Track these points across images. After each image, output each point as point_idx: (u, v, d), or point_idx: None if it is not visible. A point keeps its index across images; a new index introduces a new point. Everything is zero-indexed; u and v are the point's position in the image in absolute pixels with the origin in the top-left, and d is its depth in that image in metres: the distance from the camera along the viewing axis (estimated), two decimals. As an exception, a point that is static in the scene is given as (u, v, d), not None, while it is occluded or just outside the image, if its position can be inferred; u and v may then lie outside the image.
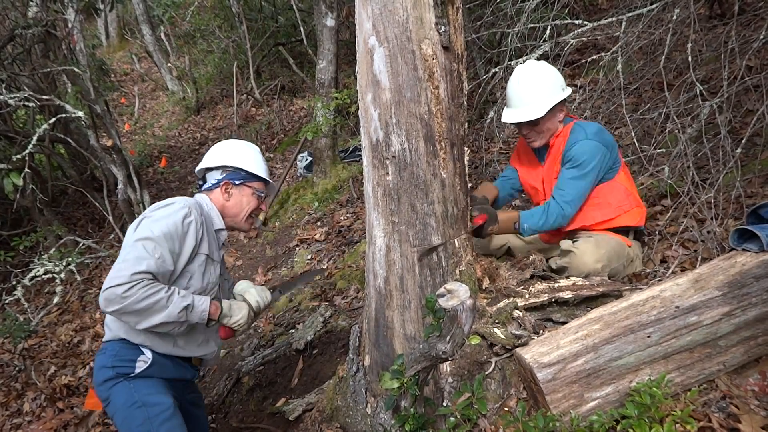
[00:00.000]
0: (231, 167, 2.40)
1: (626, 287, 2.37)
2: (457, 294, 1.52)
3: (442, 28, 2.03)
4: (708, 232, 2.70)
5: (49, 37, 5.98)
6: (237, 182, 2.41)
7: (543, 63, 2.75)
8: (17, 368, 4.65)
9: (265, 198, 2.56)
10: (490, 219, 2.70)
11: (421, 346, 1.69)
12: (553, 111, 2.67)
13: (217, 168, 2.42)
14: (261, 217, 6.37)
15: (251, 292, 2.48)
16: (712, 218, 2.70)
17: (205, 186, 2.44)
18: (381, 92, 2.10)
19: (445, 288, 1.56)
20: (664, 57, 3.17)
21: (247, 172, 2.42)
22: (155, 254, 2.02)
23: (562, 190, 2.66)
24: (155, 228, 2.05)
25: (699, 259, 2.58)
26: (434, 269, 2.22)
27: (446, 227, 2.20)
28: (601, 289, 2.33)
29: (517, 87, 2.71)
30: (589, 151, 2.59)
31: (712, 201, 2.71)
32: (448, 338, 1.55)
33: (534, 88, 2.66)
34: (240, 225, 2.48)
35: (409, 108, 2.06)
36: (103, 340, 2.25)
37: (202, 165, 2.45)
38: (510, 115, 2.75)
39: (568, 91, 2.73)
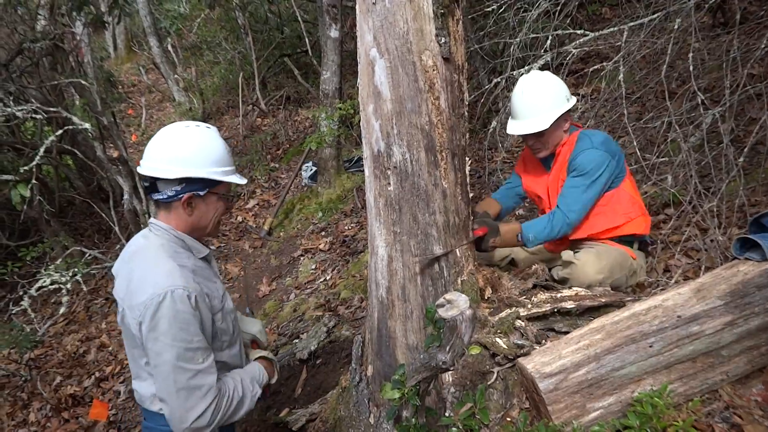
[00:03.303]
0: (192, 178, 1.90)
1: (629, 298, 2.36)
2: (456, 304, 1.53)
3: (443, 40, 2.04)
4: (711, 240, 2.70)
5: (57, 50, 6.06)
6: (201, 193, 1.94)
7: (547, 73, 2.75)
8: (23, 378, 4.67)
9: (234, 198, 2.18)
10: (491, 231, 2.69)
11: (421, 356, 1.70)
12: (558, 122, 2.67)
13: (173, 179, 1.89)
14: (266, 226, 6.42)
15: (260, 333, 2.42)
16: (715, 227, 2.69)
17: (158, 196, 1.92)
18: (382, 103, 2.11)
19: (444, 298, 1.56)
20: (665, 66, 3.18)
21: (212, 180, 1.95)
22: (198, 359, 1.80)
23: (566, 198, 2.66)
24: (178, 334, 1.76)
25: (702, 268, 2.58)
26: (436, 279, 2.22)
27: (448, 237, 2.21)
28: (603, 300, 2.33)
29: (521, 98, 2.71)
30: (595, 160, 2.59)
31: (715, 210, 2.71)
32: (448, 348, 1.55)
33: (538, 100, 2.66)
34: (210, 235, 2.11)
35: (410, 119, 2.08)
36: (154, 409, 1.97)
37: (150, 172, 1.89)
38: (515, 127, 2.75)
39: (573, 100, 2.73)
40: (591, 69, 3.90)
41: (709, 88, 3.98)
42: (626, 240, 2.75)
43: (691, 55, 2.96)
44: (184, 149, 1.89)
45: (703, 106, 3.07)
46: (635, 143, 3.18)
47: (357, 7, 2.16)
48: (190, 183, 1.91)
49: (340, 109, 5.50)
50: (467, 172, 2.28)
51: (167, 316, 1.75)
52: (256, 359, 2.25)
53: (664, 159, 3.27)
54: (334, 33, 5.89)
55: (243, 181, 2.06)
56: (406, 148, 2.10)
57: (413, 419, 1.84)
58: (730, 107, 3.02)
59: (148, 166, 1.90)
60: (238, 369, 2.10)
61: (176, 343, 1.75)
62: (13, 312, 4.81)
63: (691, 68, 2.93)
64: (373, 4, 2.05)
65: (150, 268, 1.85)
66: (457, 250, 2.24)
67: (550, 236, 2.70)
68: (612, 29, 3.61)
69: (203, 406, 1.78)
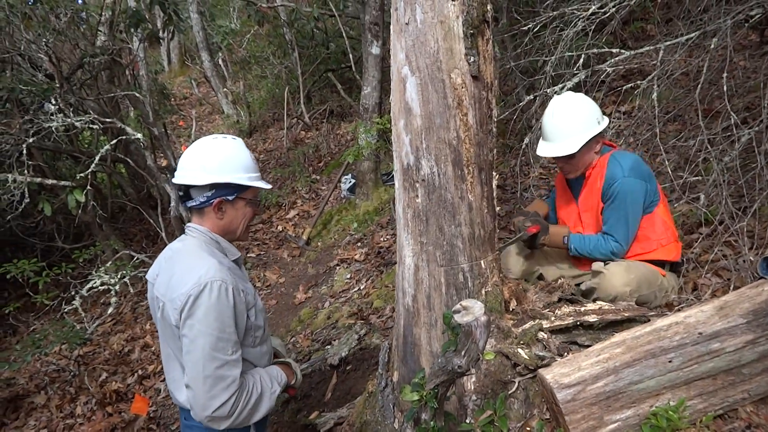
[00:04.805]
0: (220, 183, 2.08)
1: (652, 313, 2.38)
2: (472, 310, 1.60)
3: (472, 59, 2.13)
4: (743, 261, 2.67)
5: (115, 64, 6.41)
6: (230, 198, 2.12)
7: (579, 95, 2.78)
8: (72, 373, 4.92)
9: (260, 203, 2.35)
10: (543, 230, 2.83)
11: (439, 360, 1.77)
12: (588, 144, 2.71)
13: (203, 186, 2.08)
14: (305, 236, 6.58)
15: (280, 346, 2.57)
16: (748, 247, 2.67)
17: (192, 203, 2.12)
18: (412, 119, 2.21)
19: (461, 304, 1.63)
20: (700, 85, 3.17)
21: (240, 185, 2.13)
22: (228, 351, 1.94)
23: (614, 229, 2.70)
24: (213, 323, 1.90)
25: (731, 287, 2.56)
26: (460, 289, 2.29)
27: (473, 249, 2.27)
28: (626, 314, 2.35)
29: (552, 121, 2.75)
30: (630, 190, 2.63)
31: (745, 230, 2.69)
32: (463, 353, 1.62)
33: (569, 123, 2.69)
34: (240, 239, 2.27)
35: (439, 134, 2.16)
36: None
37: (183, 180, 2.08)
38: (545, 149, 2.80)
39: (605, 122, 2.75)
40: (626, 87, 3.89)
41: (752, 106, 3.93)
42: (657, 263, 2.76)
43: (725, 75, 2.95)
44: (213, 158, 2.07)
45: (737, 126, 3.04)
46: (667, 163, 3.17)
47: (391, 27, 2.28)
48: (219, 188, 2.09)
49: (378, 123, 5.62)
50: (494, 187, 2.35)
51: (205, 305, 1.89)
52: (274, 363, 2.39)
53: (697, 178, 3.24)
54: (375, 50, 6.04)
55: (268, 186, 2.23)
56: (434, 162, 2.19)
57: (432, 422, 1.90)
58: (767, 127, 2.99)
59: (181, 176, 2.09)
60: (258, 368, 2.22)
61: (210, 331, 1.89)
62: (66, 310, 5.07)
63: (724, 87, 2.92)
64: (405, 25, 2.16)
65: (191, 264, 2.00)
66: (482, 261, 2.31)
67: (592, 255, 2.77)
68: (647, 48, 3.62)
69: (225, 397, 1.92)
